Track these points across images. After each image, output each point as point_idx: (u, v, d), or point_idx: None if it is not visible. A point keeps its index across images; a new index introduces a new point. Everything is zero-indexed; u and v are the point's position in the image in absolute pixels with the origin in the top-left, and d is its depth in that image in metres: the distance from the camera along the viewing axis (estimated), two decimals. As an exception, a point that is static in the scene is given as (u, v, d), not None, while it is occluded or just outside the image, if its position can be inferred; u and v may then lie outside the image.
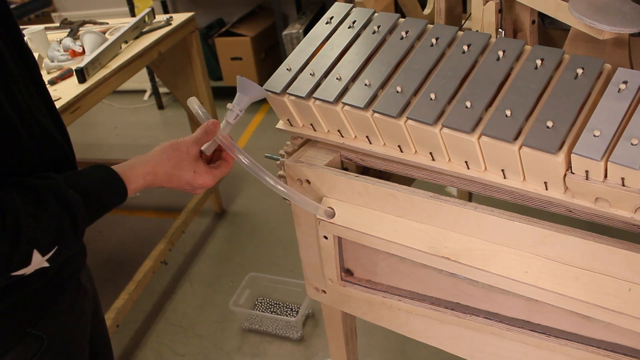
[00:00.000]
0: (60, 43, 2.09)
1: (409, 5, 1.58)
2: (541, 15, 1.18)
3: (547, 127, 0.77)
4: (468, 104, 0.83)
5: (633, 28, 0.85)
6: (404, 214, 0.93)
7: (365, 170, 1.06)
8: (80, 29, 2.33)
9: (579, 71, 0.81)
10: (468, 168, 0.87)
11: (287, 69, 1.01)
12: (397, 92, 0.90)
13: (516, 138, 0.79)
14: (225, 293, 2.31)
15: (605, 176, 0.73)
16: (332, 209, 0.99)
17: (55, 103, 1.66)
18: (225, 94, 3.29)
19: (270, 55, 3.85)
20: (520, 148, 0.78)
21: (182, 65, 2.46)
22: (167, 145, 0.88)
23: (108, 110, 4.20)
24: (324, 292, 1.16)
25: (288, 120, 1.05)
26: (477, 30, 1.19)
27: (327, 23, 1.06)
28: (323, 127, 1.00)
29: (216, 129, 0.92)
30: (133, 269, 2.25)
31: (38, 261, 0.70)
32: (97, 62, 1.90)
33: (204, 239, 2.67)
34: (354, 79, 0.95)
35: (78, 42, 2.07)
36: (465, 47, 0.91)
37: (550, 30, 1.36)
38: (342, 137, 0.99)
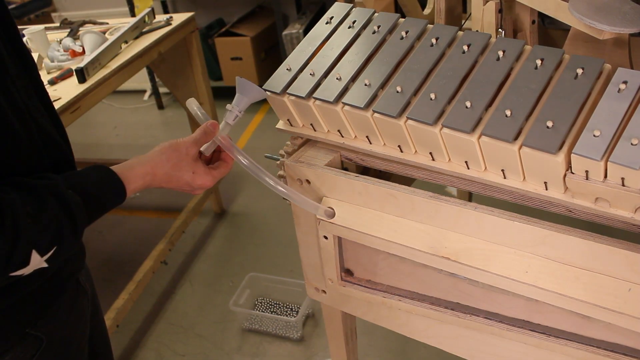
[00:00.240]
0: (60, 43, 2.09)
1: (409, 5, 1.58)
2: (541, 15, 1.18)
3: (547, 127, 0.77)
4: (468, 104, 0.83)
5: (633, 28, 0.85)
6: (404, 214, 0.93)
7: (365, 170, 1.06)
8: (80, 29, 2.33)
9: (579, 71, 0.81)
10: (468, 168, 0.87)
11: (287, 69, 1.01)
12: (397, 92, 0.90)
13: (516, 138, 0.79)
14: (225, 293, 2.31)
15: (605, 176, 0.73)
16: (332, 209, 0.99)
17: (55, 103, 1.68)
18: (225, 94, 3.29)
19: (270, 55, 3.85)
20: (520, 148, 0.78)
21: (182, 65, 2.46)
22: (166, 146, 0.88)
23: (108, 110, 4.20)
24: (324, 292, 1.16)
25: (288, 120, 1.05)
26: (477, 30, 1.19)
27: (327, 23, 1.06)
28: (323, 127, 1.00)
29: (215, 129, 0.92)
30: (133, 269, 2.25)
31: (37, 262, 0.70)
32: (97, 62, 1.90)
33: (204, 239, 2.67)
34: (354, 79, 0.95)
35: (78, 42, 2.07)
36: (465, 47, 0.91)
37: (550, 30, 1.36)
38: (342, 137, 0.99)
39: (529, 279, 0.82)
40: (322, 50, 1.02)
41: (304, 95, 0.96)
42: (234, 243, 2.62)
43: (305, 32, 3.37)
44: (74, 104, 1.74)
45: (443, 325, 1.00)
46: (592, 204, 0.78)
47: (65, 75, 1.87)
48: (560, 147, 0.75)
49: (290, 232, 2.17)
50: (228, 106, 0.95)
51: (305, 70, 1.00)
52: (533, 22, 1.18)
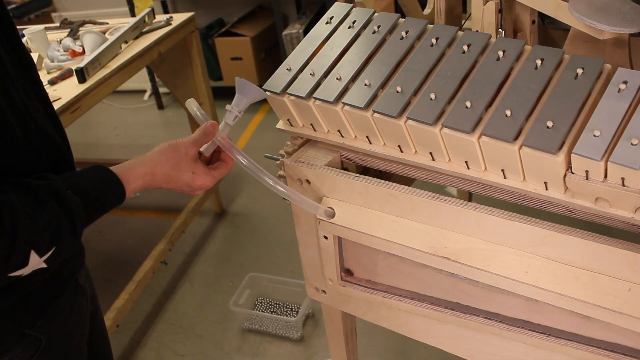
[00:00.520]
0: (60, 43, 2.09)
1: (409, 5, 1.58)
2: (541, 15, 1.18)
3: (547, 127, 0.77)
4: (468, 104, 0.83)
5: (633, 28, 0.85)
6: (404, 214, 0.92)
7: (365, 170, 1.06)
8: (80, 29, 2.33)
9: (579, 71, 0.81)
10: (468, 168, 0.87)
11: (287, 69, 1.01)
12: (397, 92, 0.89)
13: (516, 138, 0.78)
14: (225, 293, 2.31)
15: (605, 176, 0.73)
16: (332, 209, 0.99)
17: (55, 103, 1.68)
18: (225, 94, 3.30)
19: (270, 55, 3.85)
20: (520, 148, 0.78)
21: (182, 65, 2.46)
22: (166, 146, 0.88)
23: (108, 110, 4.20)
24: (324, 292, 1.16)
25: (288, 120, 1.05)
26: (477, 30, 1.19)
27: (327, 23, 1.06)
28: (323, 127, 1.00)
29: (215, 130, 0.92)
30: (133, 269, 2.25)
31: (35, 262, 0.70)
32: (97, 62, 1.90)
33: (204, 239, 2.67)
34: (354, 79, 0.95)
35: (78, 42, 2.07)
36: (465, 47, 0.91)
37: (550, 30, 1.36)
38: (342, 137, 0.99)
39: (529, 279, 0.82)
40: (322, 50, 1.02)
41: (304, 95, 0.96)
42: (234, 243, 2.62)
43: (305, 32, 3.37)
44: (74, 104, 1.74)
45: (443, 325, 1.00)
46: (592, 204, 0.78)
47: (65, 75, 1.87)
48: (560, 147, 0.75)
49: (290, 232, 2.17)
50: (228, 106, 0.95)
51: (305, 70, 1.00)
52: (533, 22, 1.18)
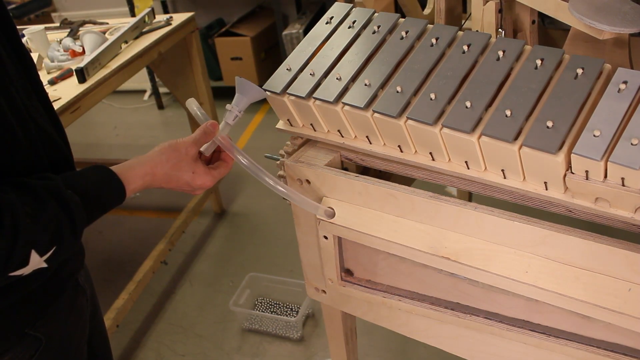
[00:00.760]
0: (60, 43, 2.09)
1: (409, 5, 1.58)
2: (541, 15, 1.18)
3: (547, 127, 0.77)
4: (468, 104, 0.83)
5: (633, 28, 0.85)
6: (404, 214, 0.92)
7: (365, 170, 1.06)
8: (80, 29, 2.33)
9: (579, 71, 0.81)
10: (468, 168, 0.87)
11: (287, 69, 1.01)
12: (397, 92, 0.89)
13: (516, 138, 0.78)
14: (225, 293, 2.31)
15: (605, 176, 0.73)
16: (332, 209, 0.99)
17: (55, 103, 1.68)
18: (225, 94, 3.29)
19: (270, 55, 3.85)
20: (520, 148, 0.78)
21: (182, 65, 2.46)
22: (166, 146, 0.88)
23: (108, 110, 4.20)
24: (324, 292, 1.16)
25: (288, 120, 1.05)
26: (477, 30, 1.19)
27: (327, 23, 1.06)
28: (323, 127, 1.00)
29: (215, 130, 0.92)
30: (133, 269, 2.25)
31: (36, 262, 0.70)
32: (97, 62, 1.90)
33: (204, 239, 2.67)
34: (354, 79, 0.95)
35: (78, 42, 2.07)
36: (465, 47, 0.91)
37: (550, 30, 1.36)
38: (342, 137, 0.99)
39: (529, 279, 0.82)
40: (322, 50, 1.02)
41: (304, 95, 0.96)
42: (234, 243, 2.62)
43: (305, 32, 3.37)
44: (74, 104, 1.74)
45: (443, 325, 1.00)
46: (592, 204, 0.78)
47: (65, 75, 1.87)
48: (560, 147, 0.75)
49: (290, 232, 2.17)
50: (228, 106, 0.95)
51: (305, 70, 1.00)
52: (533, 22, 1.18)
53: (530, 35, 1.19)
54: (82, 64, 1.82)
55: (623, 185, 0.72)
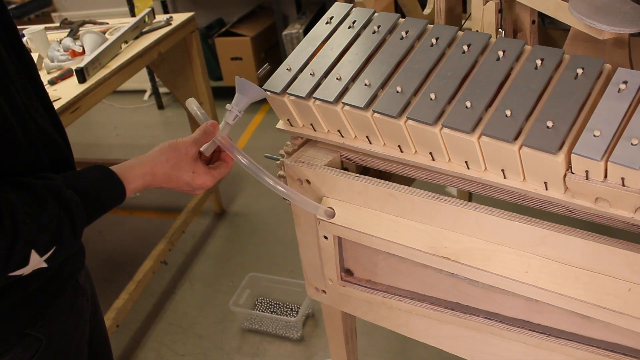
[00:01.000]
0: (60, 43, 2.09)
1: (409, 5, 1.58)
2: (541, 15, 1.18)
3: (547, 127, 0.77)
4: (468, 104, 0.83)
5: (633, 28, 0.85)
6: (404, 214, 0.92)
7: (365, 170, 1.06)
8: (80, 29, 2.33)
9: (579, 71, 0.81)
10: (468, 168, 0.87)
11: (287, 69, 1.01)
12: (397, 92, 0.89)
13: (516, 138, 0.78)
14: (225, 293, 2.31)
15: (605, 176, 0.73)
16: (332, 209, 0.99)
17: (55, 103, 1.68)
18: (225, 94, 3.30)
19: (270, 55, 3.85)
20: (520, 148, 0.78)
21: (182, 65, 2.46)
22: (166, 146, 0.88)
23: (108, 110, 4.20)
24: (324, 292, 1.16)
25: (288, 120, 1.05)
26: (477, 30, 1.19)
27: (327, 23, 1.06)
28: (323, 127, 1.00)
29: (215, 129, 0.92)
30: (133, 269, 2.25)
31: (36, 262, 0.70)
32: (97, 62, 1.90)
33: (204, 239, 2.67)
34: (354, 79, 0.95)
35: (78, 42, 2.07)
36: (465, 47, 0.91)
37: (550, 30, 1.36)
38: (342, 137, 0.99)
39: (529, 279, 0.82)
40: (322, 50, 1.02)
41: (304, 95, 0.96)
42: (234, 243, 2.62)
43: (305, 32, 3.37)
44: (74, 104, 1.74)
45: (443, 325, 1.00)
46: (592, 204, 0.78)
47: (65, 75, 1.87)
48: (560, 147, 0.75)
49: (290, 232, 2.17)
50: (228, 106, 0.95)
51: (305, 70, 1.00)
52: (533, 22, 1.18)
53: (530, 35, 1.19)
54: (82, 64, 1.82)
55: (623, 185, 0.72)
